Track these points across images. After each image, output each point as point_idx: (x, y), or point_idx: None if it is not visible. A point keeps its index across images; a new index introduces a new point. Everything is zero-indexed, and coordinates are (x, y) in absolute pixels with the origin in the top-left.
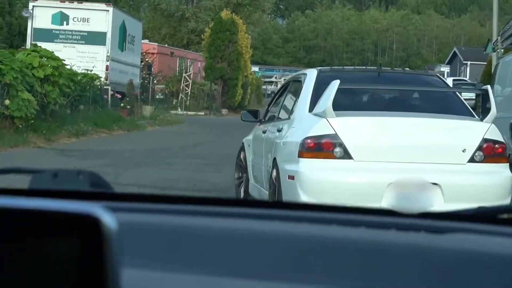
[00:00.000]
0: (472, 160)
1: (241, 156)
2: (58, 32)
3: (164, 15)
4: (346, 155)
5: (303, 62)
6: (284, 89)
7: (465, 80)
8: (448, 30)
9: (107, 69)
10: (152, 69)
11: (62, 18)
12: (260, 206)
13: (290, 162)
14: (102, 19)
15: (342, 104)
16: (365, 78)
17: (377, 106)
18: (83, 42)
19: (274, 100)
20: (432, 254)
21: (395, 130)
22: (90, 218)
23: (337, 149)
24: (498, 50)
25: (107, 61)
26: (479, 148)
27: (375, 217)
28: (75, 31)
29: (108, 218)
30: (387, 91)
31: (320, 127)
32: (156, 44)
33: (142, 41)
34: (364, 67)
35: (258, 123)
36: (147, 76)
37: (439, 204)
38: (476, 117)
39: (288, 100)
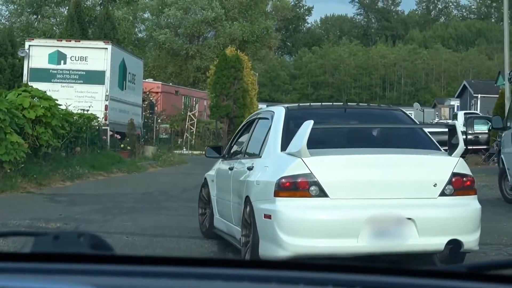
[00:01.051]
0: (443, 194)
1: (203, 191)
2: (55, 71)
3: (170, 53)
4: (322, 193)
5: (311, 98)
6: (248, 125)
7: (477, 113)
8: (456, 64)
9: (106, 109)
10: (156, 108)
11: (59, 57)
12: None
13: (265, 201)
14: (100, 58)
15: (315, 142)
16: (332, 114)
17: (349, 143)
18: (81, 81)
19: (237, 137)
20: None
21: (368, 167)
22: None
23: (313, 188)
24: None
25: (106, 100)
26: (449, 182)
27: (373, 276)
28: (73, 70)
29: None
30: (355, 128)
31: (295, 167)
32: (160, 83)
33: (146, 80)
34: (331, 103)
35: (221, 159)
36: (150, 115)
37: (414, 238)
38: (443, 151)
39: (255, 137)
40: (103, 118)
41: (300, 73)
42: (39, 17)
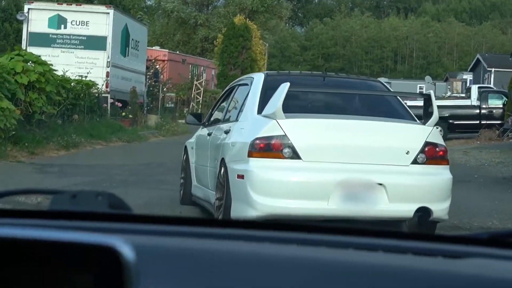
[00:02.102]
0: (415, 162)
1: (184, 159)
2: (55, 36)
3: (178, 22)
4: (295, 155)
5: (322, 70)
6: (229, 93)
7: (491, 88)
8: (469, 38)
9: (107, 76)
10: (162, 76)
11: (59, 21)
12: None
13: (239, 161)
14: (102, 23)
15: (291, 107)
16: (311, 82)
17: (325, 109)
18: (82, 47)
19: (218, 104)
20: (449, 279)
21: (342, 132)
22: (109, 250)
23: (286, 150)
24: None
25: (108, 67)
26: (422, 150)
27: (391, 240)
28: (74, 35)
29: (127, 250)
30: (334, 95)
31: (269, 128)
32: (167, 50)
33: (153, 47)
34: (310, 71)
35: (202, 126)
36: (154, 83)
37: (384, 203)
38: (418, 121)
39: (234, 103)
40: (103, 85)
41: (311, 44)
42: None
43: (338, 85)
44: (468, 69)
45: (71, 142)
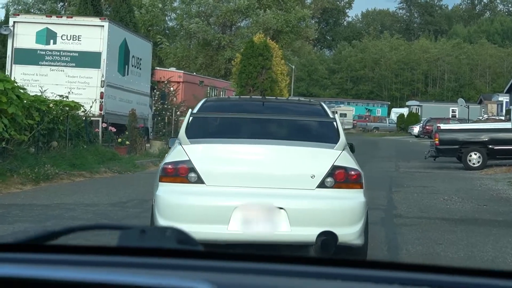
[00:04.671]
0: (322, 185)
1: None
2: (43, 53)
3: (200, 44)
4: (199, 180)
5: (350, 93)
6: None
7: None
8: (502, 59)
9: (101, 97)
10: (175, 98)
11: (48, 36)
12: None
13: (155, 187)
14: (96, 37)
15: (206, 132)
16: (247, 107)
17: (240, 134)
18: (74, 64)
19: None
20: None
21: (245, 156)
22: None
23: (191, 174)
24: None
25: (102, 87)
26: (330, 174)
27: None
28: (64, 51)
29: None
30: (256, 120)
31: (176, 154)
32: (182, 71)
33: (170, 69)
34: (249, 96)
35: None
36: (162, 106)
37: (285, 227)
38: (336, 145)
39: None
40: (91, 107)
41: (339, 67)
42: None
43: (274, 109)
44: (504, 91)
45: (42, 175)
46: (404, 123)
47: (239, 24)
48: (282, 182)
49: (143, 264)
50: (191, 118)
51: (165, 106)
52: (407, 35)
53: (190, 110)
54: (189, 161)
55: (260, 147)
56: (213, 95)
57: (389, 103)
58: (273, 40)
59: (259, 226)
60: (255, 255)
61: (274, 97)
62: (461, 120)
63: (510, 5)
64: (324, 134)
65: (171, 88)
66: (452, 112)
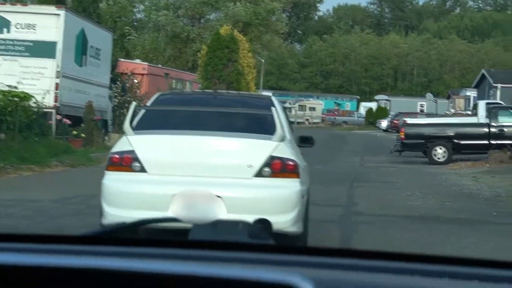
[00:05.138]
0: (259, 175)
1: None
2: None
3: (169, 36)
4: (142, 169)
5: (320, 87)
6: None
7: (500, 103)
8: (471, 55)
9: (57, 88)
10: (138, 91)
11: (1, 24)
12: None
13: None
14: (51, 26)
15: (153, 124)
16: (200, 100)
17: (184, 125)
18: (28, 54)
19: None
20: None
21: (186, 147)
22: None
23: (135, 164)
24: None
25: (57, 77)
26: (267, 164)
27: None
28: (18, 40)
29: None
30: (202, 113)
31: (121, 144)
32: (147, 64)
33: (135, 60)
34: (202, 90)
35: None
36: (122, 97)
37: (222, 215)
38: (274, 136)
39: None
40: (43, 98)
41: (310, 61)
42: None
43: (226, 102)
44: (473, 85)
45: None
46: (372, 117)
47: (208, 17)
48: (221, 171)
49: (223, 258)
50: (143, 111)
51: (127, 99)
52: (378, 30)
53: (133, 103)
54: (133, 151)
55: (201, 138)
56: (179, 87)
57: (359, 97)
58: (243, 33)
59: (197, 213)
60: (343, 250)
61: (226, 92)
62: (429, 115)
63: (480, 2)
64: (263, 126)
65: (135, 80)
66: (421, 106)
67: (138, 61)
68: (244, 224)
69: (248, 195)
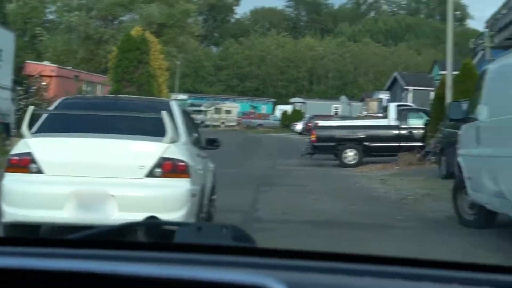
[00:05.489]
0: (150, 175)
1: None
2: None
3: (81, 37)
4: (39, 170)
5: (236, 90)
6: None
7: (410, 105)
8: (385, 58)
9: None
10: (46, 94)
11: None
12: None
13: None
14: None
15: (53, 127)
16: (101, 104)
17: (82, 128)
18: None
19: None
20: None
21: (82, 149)
22: None
23: (32, 165)
24: (486, 47)
25: None
26: (158, 165)
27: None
28: None
29: None
30: (102, 116)
31: (20, 146)
32: (56, 65)
33: (44, 62)
34: (103, 95)
35: None
36: (27, 100)
37: (114, 212)
38: (165, 138)
39: None
40: None
41: (226, 64)
42: None
43: (126, 106)
44: (386, 88)
45: None
46: (288, 120)
47: (122, 18)
48: (114, 172)
49: (202, 261)
50: (45, 115)
51: (34, 102)
52: (294, 33)
53: (31, 107)
54: (30, 153)
55: (95, 140)
56: (90, 90)
57: (275, 100)
58: (157, 34)
59: (91, 211)
60: (318, 253)
61: (127, 96)
62: (343, 118)
63: (393, 5)
64: (155, 129)
65: (43, 83)
66: (335, 109)
67: (47, 63)
68: (228, 227)
69: (139, 194)
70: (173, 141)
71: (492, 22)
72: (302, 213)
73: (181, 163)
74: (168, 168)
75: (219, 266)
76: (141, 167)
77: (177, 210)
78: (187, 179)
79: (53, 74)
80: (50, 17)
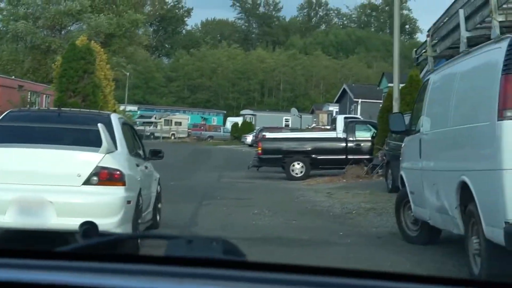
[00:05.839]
0: (87, 183)
1: None
2: None
3: (27, 47)
4: None
5: (187, 102)
6: None
7: (358, 118)
8: (336, 71)
9: None
10: None
11: None
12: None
13: None
14: None
15: (1, 137)
16: (44, 117)
17: (25, 139)
18: None
19: None
20: None
21: (23, 158)
22: None
23: None
24: (428, 56)
25: None
26: (95, 174)
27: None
28: None
29: None
30: (46, 128)
31: None
32: None
33: None
34: (47, 108)
35: None
36: None
37: (53, 218)
38: (101, 148)
39: None
40: None
41: (177, 75)
42: None
43: (64, 119)
44: (334, 100)
45: None
46: (238, 132)
47: (69, 28)
48: (53, 180)
49: (193, 274)
50: None
51: None
52: (245, 45)
53: None
54: None
55: (37, 151)
56: (34, 100)
57: (225, 111)
58: (105, 45)
59: (31, 216)
60: (309, 267)
61: (71, 109)
62: (293, 130)
63: (344, 19)
64: (92, 140)
65: None
66: (286, 121)
67: None
68: (219, 241)
69: (76, 200)
70: (110, 151)
71: (433, 30)
72: (240, 229)
73: (116, 172)
74: (104, 176)
75: (210, 279)
76: (78, 175)
77: (112, 215)
78: (122, 187)
79: None
80: None
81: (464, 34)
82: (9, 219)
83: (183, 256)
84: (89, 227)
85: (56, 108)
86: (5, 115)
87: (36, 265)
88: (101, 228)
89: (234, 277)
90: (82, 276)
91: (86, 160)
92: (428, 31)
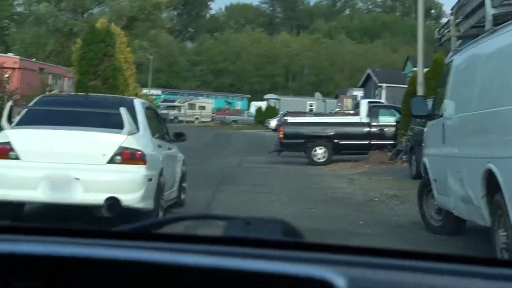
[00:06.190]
0: (111, 161)
1: None
2: None
3: (50, 30)
4: (16, 157)
5: (211, 86)
6: None
7: (381, 103)
8: (360, 56)
9: None
10: (8, 86)
11: None
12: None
13: None
14: None
15: (33, 120)
16: (73, 101)
17: (55, 122)
18: None
19: None
20: None
21: (53, 139)
22: (323, 283)
23: (11, 153)
24: (451, 37)
25: None
26: (118, 153)
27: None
28: None
29: (341, 282)
30: (73, 112)
31: (0, 137)
32: (19, 57)
33: (8, 54)
34: (76, 93)
35: None
36: None
37: (80, 193)
38: (135, 131)
39: None
40: None
41: (201, 59)
42: None
43: (95, 103)
44: (359, 85)
45: None
46: (262, 117)
47: (91, 11)
48: (81, 159)
49: (256, 255)
50: (25, 110)
51: None
52: (269, 30)
53: (8, 103)
54: (9, 142)
55: (65, 132)
56: (57, 82)
57: (249, 96)
58: (127, 28)
59: (60, 192)
60: (374, 249)
61: (96, 94)
62: (317, 114)
63: (369, 3)
64: (116, 123)
65: (5, 75)
66: (310, 106)
67: (11, 54)
68: (277, 222)
69: (101, 177)
70: (132, 133)
71: (457, 8)
72: (256, 215)
73: (138, 152)
74: (126, 156)
75: (275, 260)
76: (103, 155)
77: (134, 191)
78: (143, 165)
79: (16, 66)
80: (19, 9)
81: (489, 11)
82: (41, 194)
83: (243, 237)
84: (113, 202)
85: (84, 94)
86: (38, 99)
87: (96, 243)
88: (124, 203)
89: (298, 258)
90: (148, 253)
91: (110, 141)
92: (452, 9)
